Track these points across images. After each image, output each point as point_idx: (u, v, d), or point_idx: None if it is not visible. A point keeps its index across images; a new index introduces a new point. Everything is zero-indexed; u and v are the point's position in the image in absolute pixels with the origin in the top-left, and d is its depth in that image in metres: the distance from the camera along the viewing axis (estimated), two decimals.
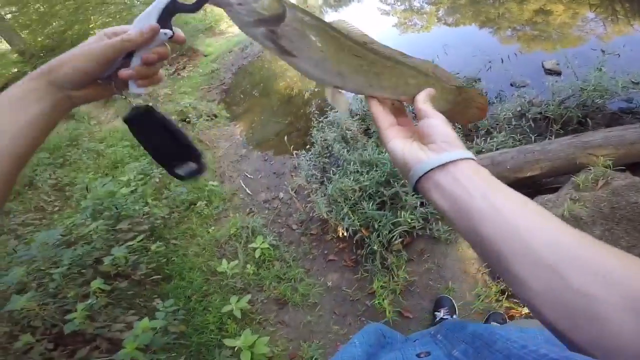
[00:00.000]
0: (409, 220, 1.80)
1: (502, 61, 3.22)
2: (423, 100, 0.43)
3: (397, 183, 1.94)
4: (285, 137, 2.62)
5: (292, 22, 0.35)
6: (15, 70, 6.30)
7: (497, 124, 2.48)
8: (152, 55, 0.41)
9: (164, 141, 0.45)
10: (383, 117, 0.43)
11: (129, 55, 0.41)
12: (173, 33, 0.41)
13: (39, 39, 6.77)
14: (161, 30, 0.40)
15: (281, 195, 2.76)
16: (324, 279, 2.02)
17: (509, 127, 2.35)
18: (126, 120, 0.45)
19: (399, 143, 0.41)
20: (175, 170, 0.48)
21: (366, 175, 2.04)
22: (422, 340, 0.57)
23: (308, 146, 2.81)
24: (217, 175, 3.16)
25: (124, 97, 0.44)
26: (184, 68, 6.41)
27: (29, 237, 2.33)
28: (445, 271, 1.74)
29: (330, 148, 2.61)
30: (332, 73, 0.39)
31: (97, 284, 1.63)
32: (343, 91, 0.42)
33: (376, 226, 1.88)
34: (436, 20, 5.48)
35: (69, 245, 2.07)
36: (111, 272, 1.81)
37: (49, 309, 1.56)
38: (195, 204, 2.71)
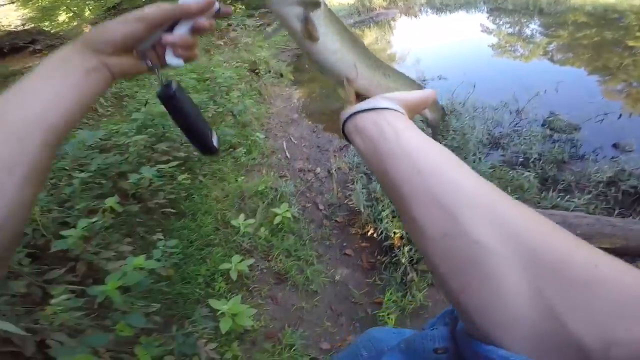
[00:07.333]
0: None
1: (620, 116, 2.88)
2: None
3: None
4: None
5: (324, 11, 0.38)
6: None
7: (580, 184, 2.18)
8: (204, 22, 0.39)
9: (196, 115, 0.45)
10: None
11: (171, 27, 0.40)
12: (220, 7, 0.40)
13: None
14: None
15: (318, 170, 2.61)
16: (334, 271, 1.87)
17: (595, 190, 2.06)
18: (164, 95, 0.42)
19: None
20: (210, 142, 0.46)
21: None
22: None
23: None
24: (265, 130, 3.07)
25: (156, 73, 0.42)
26: (270, 24, 6.42)
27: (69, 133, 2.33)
28: None
29: None
30: (348, 63, 0.40)
31: (112, 201, 1.47)
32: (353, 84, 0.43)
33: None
34: (541, 54, 4.95)
35: (102, 151, 2.05)
36: (129, 192, 1.70)
37: (48, 217, 1.40)
38: (235, 149, 2.64)
